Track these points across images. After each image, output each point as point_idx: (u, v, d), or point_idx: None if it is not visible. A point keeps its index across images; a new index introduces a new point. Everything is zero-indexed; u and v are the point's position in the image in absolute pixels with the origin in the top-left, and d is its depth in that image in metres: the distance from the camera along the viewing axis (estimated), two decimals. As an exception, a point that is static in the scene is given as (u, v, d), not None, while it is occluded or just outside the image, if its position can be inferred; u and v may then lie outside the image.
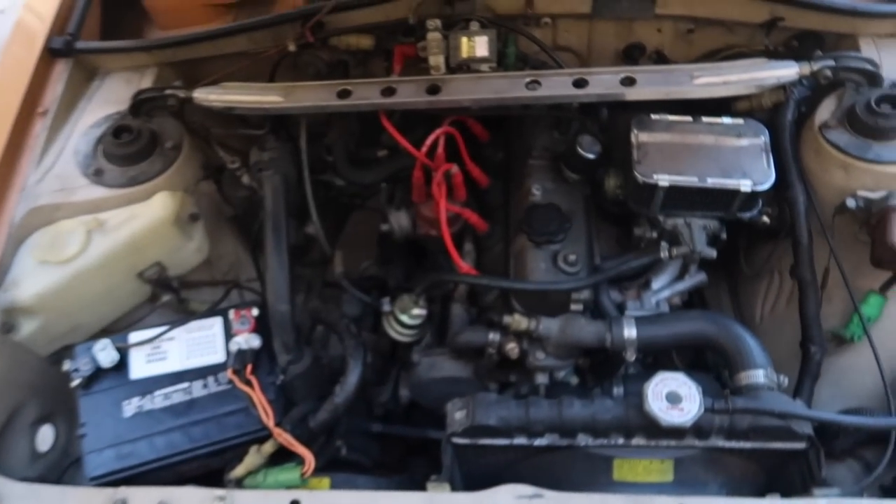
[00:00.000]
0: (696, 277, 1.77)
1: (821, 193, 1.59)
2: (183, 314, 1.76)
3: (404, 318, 1.73)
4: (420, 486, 1.40)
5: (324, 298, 2.15)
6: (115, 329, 1.71)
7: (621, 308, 1.69)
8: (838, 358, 1.65)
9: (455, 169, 1.69)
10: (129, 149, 1.67)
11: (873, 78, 1.54)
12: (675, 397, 1.29)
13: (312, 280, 2.20)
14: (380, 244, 2.11)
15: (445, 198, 1.69)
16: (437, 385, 1.73)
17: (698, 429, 1.32)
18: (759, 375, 1.36)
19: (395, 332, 1.76)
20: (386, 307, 1.75)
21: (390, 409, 1.89)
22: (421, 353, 1.76)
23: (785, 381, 1.37)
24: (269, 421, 1.40)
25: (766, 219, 1.66)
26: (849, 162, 1.51)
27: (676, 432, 1.32)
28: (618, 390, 1.64)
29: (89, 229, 1.57)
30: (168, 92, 1.71)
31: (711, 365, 1.86)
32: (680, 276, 1.77)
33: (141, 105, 1.73)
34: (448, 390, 1.74)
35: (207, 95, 1.68)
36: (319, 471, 1.43)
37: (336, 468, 1.60)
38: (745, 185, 1.51)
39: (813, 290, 1.58)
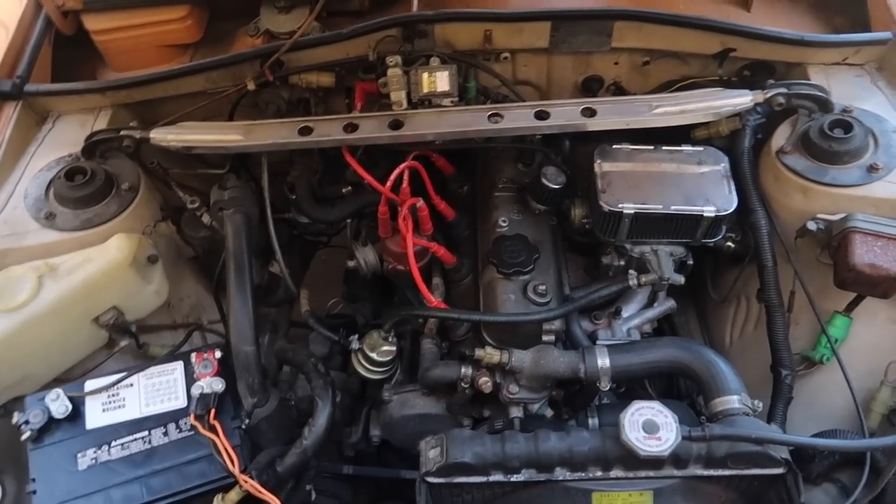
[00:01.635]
0: (665, 304, 1.78)
1: (782, 217, 1.62)
2: (142, 360, 1.70)
3: (374, 356, 1.69)
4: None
5: (290, 339, 2.10)
6: (70, 378, 1.63)
7: (593, 337, 1.69)
8: (809, 380, 1.66)
9: (421, 203, 1.68)
10: (83, 191, 1.61)
11: (824, 104, 1.59)
12: (651, 426, 1.27)
13: (277, 320, 2.15)
14: (346, 281, 2.08)
15: (412, 232, 1.67)
16: (409, 422, 1.69)
17: (676, 458, 1.30)
18: (733, 401, 1.35)
19: (365, 370, 1.72)
20: (354, 345, 1.71)
21: (361, 450, 1.83)
22: (392, 391, 1.71)
23: (759, 405, 1.37)
24: (235, 468, 1.33)
25: (730, 244, 1.69)
26: (807, 186, 1.54)
27: (655, 462, 1.30)
28: (592, 421, 1.62)
29: (40, 274, 1.51)
30: (123, 132, 1.67)
31: (685, 392, 1.85)
32: (649, 304, 1.78)
33: (95, 146, 1.68)
34: (421, 428, 1.70)
35: (165, 135, 1.65)
36: (289, 518, 1.37)
37: (307, 514, 1.54)
38: (709, 211, 1.53)
39: (780, 313, 1.59)
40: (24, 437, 1.39)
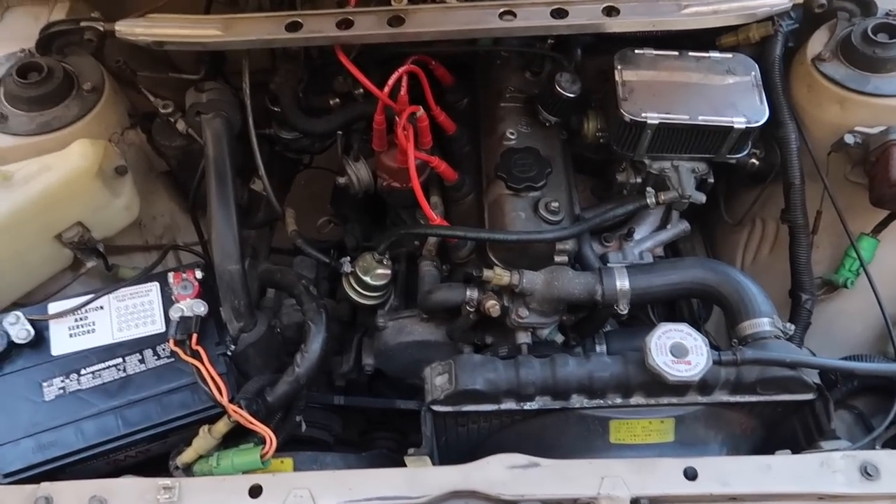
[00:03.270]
0: (678, 226, 1.67)
1: (814, 131, 1.50)
2: (112, 283, 1.54)
3: (367, 279, 1.56)
4: (393, 461, 1.25)
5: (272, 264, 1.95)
6: (30, 302, 1.47)
7: (603, 260, 1.58)
8: (827, 305, 1.58)
9: (421, 112, 1.52)
10: (39, 90, 1.42)
11: (867, 7, 1.46)
12: (680, 350, 1.17)
13: (257, 244, 1.99)
14: (334, 202, 1.93)
15: (412, 144, 1.52)
16: (405, 350, 1.58)
17: (703, 383, 1.21)
18: (764, 324, 1.26)
19: (357, 295, 1.58)
20: (346, 268, 1.57)
21: (351, 381, 1.72)
22: (387, 317, 1.59)
23: (792, 328, 1.28)
24: (223, 397, 1.21)
25: (754, 161, 1.57)
26: (845, 96, 1.42)
27: (680, 388, 1.21)
28: (600, 348, 1.53)
29: (-8, 183, 1.33)
30: (85, 24, 1.46)
31: (688, 320, 1.77)
32: (662, 226, 1.67)
33: (51, 40, 1.48)
34: (418, 356, 1.59)
35: (132, 28, 1.45)
36: (278, 450, 1.26)
37: (296, 447, 1.43)
38: (739, 122, 1.40)
39: (805, 234, 1.50)
40: (-21, 364, 1.24)
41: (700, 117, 1.41)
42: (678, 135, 1.43)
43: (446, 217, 1.66)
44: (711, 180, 1.56)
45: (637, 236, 1.63)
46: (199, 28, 1.45)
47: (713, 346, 1.21)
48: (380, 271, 1.56)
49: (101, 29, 1.45)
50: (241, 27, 1.45)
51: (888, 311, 1.48)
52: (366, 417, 1.83)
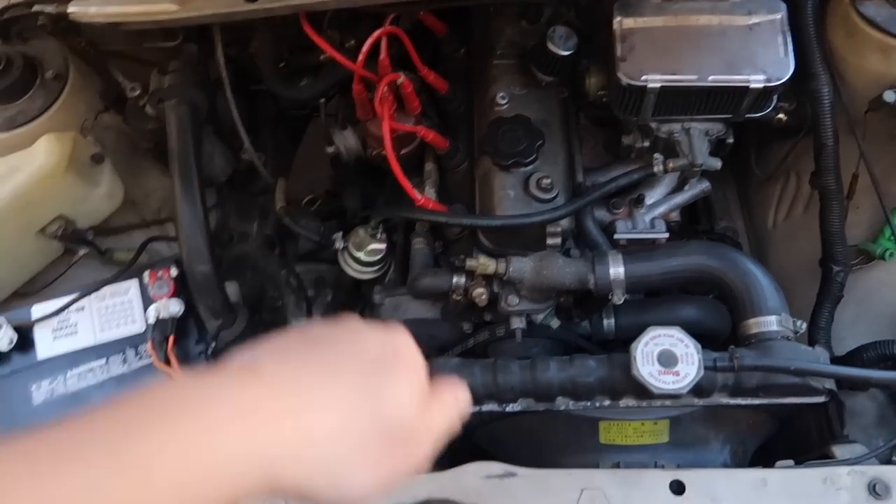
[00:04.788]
0: (697, 187, 1.50)
1: (851, 84, 1.29)
2: (112, 266, 1.54)
3: (361, 255, 1.50)
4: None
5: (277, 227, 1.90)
6: (31, 291, 1.49)
7: (610, 230, 1.45)
8: (863, 275, 1.41)
9: (402, 78, 1.39)
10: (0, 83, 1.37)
11: (925, -74, 1.19)
12: (669, 359, 1.07)
13: (265, 206, 1.94)
14: (333, 165, 1.84)
15: (392, 115, 1.40)
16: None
17: (698, 388, 1.10)
18: (771, 322, 1.12)
19: (353, 271, 1.53)
20: (339, 244, 1.51)
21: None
22: (383, 293, 1.54)
23: (803, 326, 1.14)
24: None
25: (781, 116, 1.38)
26: (890, 43, 1.19)
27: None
28: (608, 322, 1.43)
29: (-37, 187, 1.31)
30: (36, 8, 1.37)
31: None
32: (678, 187, 1.51)
33: (7, 26, 1.40)
34: (416, 332, 1.51)
35: (86, 9, 1.34)
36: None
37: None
38: (757, 81, 1.21)
39: (837, 200, 1.32)
40: (-30, 371, 1.27)
41: (710, 77, 1.22)
42: (686, 97, 1.26)
43: (441, 187, 1.56)
44: (731, 140, 1.38)
45: (649, 201, 1.48)
46: (153, 3, 1.34)
47: (711, 348, 1.10)
48: (373, 246, 1.49)
49: (53, 11, 1.36)
50: (198, 1, 1.34)
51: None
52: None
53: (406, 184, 1.37)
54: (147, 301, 1.31)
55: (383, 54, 1.37)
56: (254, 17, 1.34)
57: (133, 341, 1.30)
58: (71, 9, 1.35)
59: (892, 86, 1.20)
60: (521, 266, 1.28)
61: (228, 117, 1.50)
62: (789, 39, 1.24)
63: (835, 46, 1.29)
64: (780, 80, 1.21)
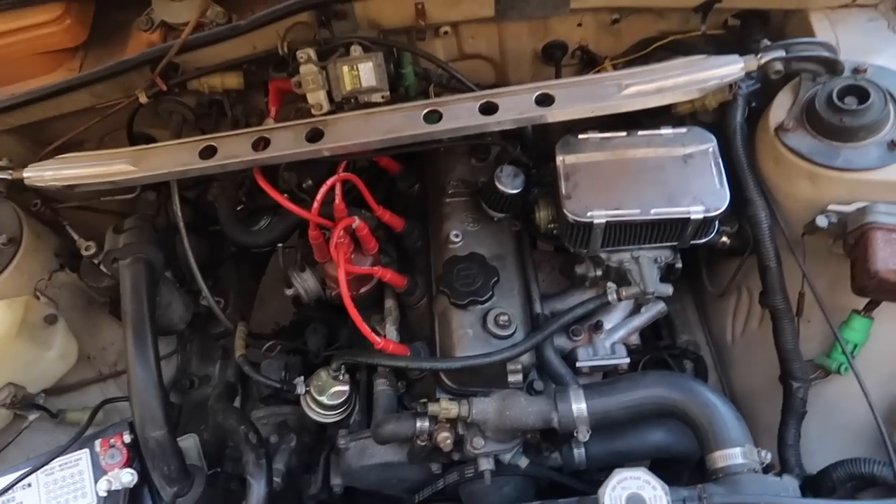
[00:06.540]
0: (653, 309, 1.53)
1: (785, 208, 1.35)
2: (65, 427, 1.48)
3: (323, 399, 1.47)
4: None
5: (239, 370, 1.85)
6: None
7: (571, 358, 1.46)
8: (825, 387, 1.42)
9: (357, 222, 1.41)
10: (-48, 252, 1.36)
11: (832, 65, 1.28)
12: (637, 502, 1.04)
13: (228, 346, 1.91)
14: (295, 304, 1.83)
15: (349, 258, 1.42)
16: (370, 472, 1.48)
17: (670, 525, 1.08)
18: (736, 455, 1.11)
19: (317, 415, 1.49)
20: (300, 388, 1.48)
21: (323, 501, 1.63)
22: (348, 438, 1.49)
23: (768, 457, 1.13)
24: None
25: (725, 239, 1.43)
26: (815, 171, 1.26)
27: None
28: (579, 452, 1.41)
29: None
30: (-9, 174, 1.39)
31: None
32: (636, 310, 1.54)
33: (-39, 192, 1.41)
34: (384, 475, 1.50)
35: (41, 173, 1.37)
36: None
37: None
38: (697, 212, 1.27)
39: (788, 319, 1.35)
40: None
41: (653, 210, 1.27)
42: (631, 230, 1.31)
43: (402, 323, 1.56)
44: (679, 265, 1.42)
45: (608, 325, 1.50)
46: (108, 165, 1.37)
47: (679, 485, 1.08)
48: (336, 389, 1.47)
49: (9, 178, 1.38)
50: (152, 159, 1.37)
51: (889, 390, 1.34)
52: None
53: (365, 329, 1.36)
54: (98, 472, 1.25)
55: (338, 199, 1.40)
56: (208, 174, 1.37)
57: (84, 516, 1.24)
58: (26, 174, 1.38)
59: (822, 211, 1.26)
60: (484, 408, 1.27)
61: (187, 262, 1.51)
62: (723, 169, 1.30)
63: (766, 174, 1.35)
64: (718, 210, 1.26)
